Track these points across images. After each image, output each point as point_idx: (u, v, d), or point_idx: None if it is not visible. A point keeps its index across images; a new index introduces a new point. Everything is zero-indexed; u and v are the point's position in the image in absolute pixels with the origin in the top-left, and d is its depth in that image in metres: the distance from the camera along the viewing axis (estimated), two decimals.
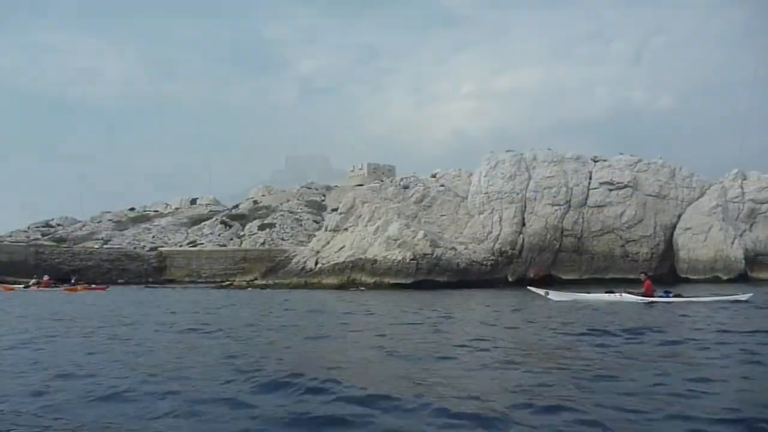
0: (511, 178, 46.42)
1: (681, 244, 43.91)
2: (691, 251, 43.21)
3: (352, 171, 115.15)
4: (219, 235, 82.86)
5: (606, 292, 21.14)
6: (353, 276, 40.36)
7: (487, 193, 46.51)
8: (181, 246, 72.82)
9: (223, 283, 46.98)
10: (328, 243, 46.02)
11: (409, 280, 39.05)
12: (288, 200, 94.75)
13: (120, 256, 59.55)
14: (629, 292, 20.29)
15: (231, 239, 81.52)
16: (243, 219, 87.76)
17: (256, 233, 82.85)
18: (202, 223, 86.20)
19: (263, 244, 76.50)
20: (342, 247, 44.19)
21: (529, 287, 24.43)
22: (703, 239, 43.10)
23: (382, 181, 54.18)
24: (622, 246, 44.73)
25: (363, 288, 37.42)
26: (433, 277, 39.67)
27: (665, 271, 44.32)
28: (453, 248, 42.03)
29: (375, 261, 40.47)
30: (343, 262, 41.87)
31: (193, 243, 76.92)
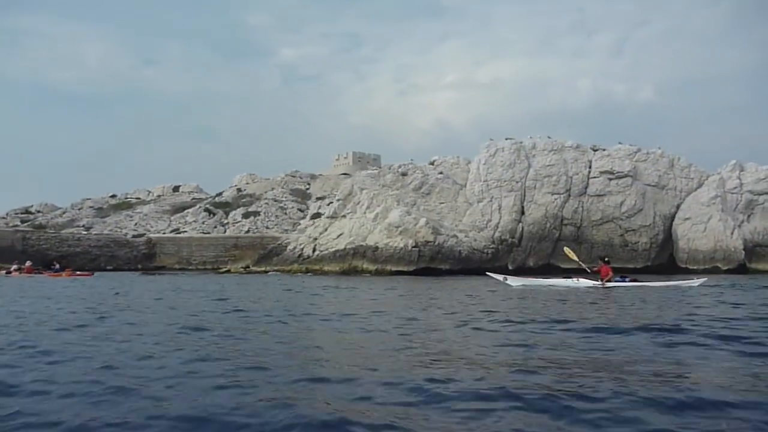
0: (511, 166, 46.03)
1: (680, 234, 43.92)
2: (691, 241, 43.24)
3: (337, 159, 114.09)
4: (203, 222, 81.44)
5: (564, 278, 21.17)
6: (354, 263, 39.70)
7: (486, 181, 46.07)
8: (164, 233, 71.31)
9: (220, 270, 46.00)
10: (326, 230, 45.24)
11: (411, 268, 38.53)
12: (272, 188, 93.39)
13: (109, 243, 57.97)
14: (586, 278, 20.23)
15: (215, 227, 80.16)
16: (227, 207, 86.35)
17: (240, 221, 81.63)
18: (185, 211, 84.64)
19: (248, 232, 75.32)
20: (341, 234, 43.44)
21: (488, 273, 24.42)
22: (703, 229, 43.16)
23: (380, 167, 53.52)
24: (622, 235, 44.63)
25: (369, 273, 36.78)
26: (436, 264, 39.17)
27: (664, 261, 44.39)
28: (454, 236, 41.52)
29: (376, 248, 39.82)
30: (344, 249, 41.16)
31: (177, 231, 75.44)
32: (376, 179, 46.57)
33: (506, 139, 48.05)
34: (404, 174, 46.78)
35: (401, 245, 39.28)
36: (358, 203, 45.24)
